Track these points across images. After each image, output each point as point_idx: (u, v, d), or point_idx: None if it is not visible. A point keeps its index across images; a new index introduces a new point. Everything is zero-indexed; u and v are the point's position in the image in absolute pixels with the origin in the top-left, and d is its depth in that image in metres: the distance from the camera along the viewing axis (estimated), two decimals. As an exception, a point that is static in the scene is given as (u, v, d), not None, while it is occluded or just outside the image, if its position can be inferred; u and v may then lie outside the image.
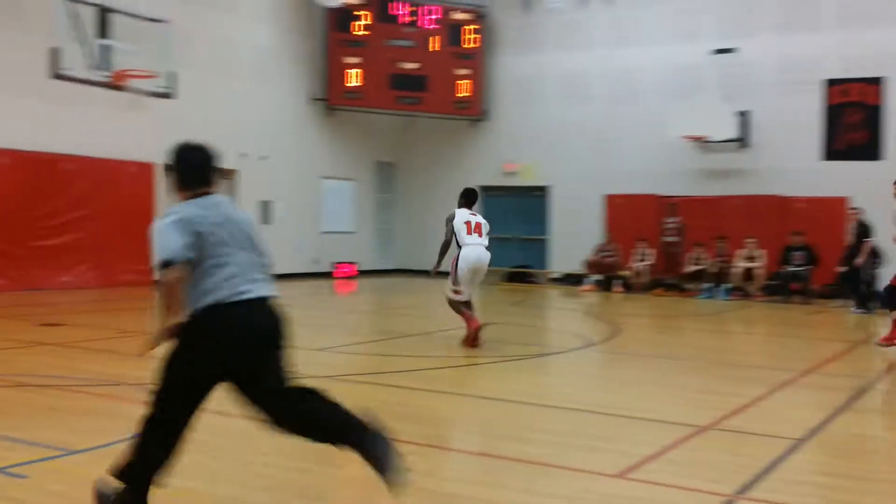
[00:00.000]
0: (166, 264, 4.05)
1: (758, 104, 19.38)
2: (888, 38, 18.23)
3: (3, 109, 15.05)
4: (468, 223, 10.84)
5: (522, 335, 12.05)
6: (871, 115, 18.44)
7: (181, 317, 4.08)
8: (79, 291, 15.57)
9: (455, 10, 22.60)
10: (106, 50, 14.28)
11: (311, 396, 4.38)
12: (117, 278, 16.46)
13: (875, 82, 18.41)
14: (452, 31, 22.55)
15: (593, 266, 19.92)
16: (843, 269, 15.97)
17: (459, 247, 10.74)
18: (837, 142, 18.87)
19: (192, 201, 4.24)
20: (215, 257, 4.12)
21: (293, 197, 21.21)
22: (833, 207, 18.14)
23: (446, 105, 22.68)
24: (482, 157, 23.19)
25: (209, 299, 4.08)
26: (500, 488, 4.82)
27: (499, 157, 22.96)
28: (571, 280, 21.01)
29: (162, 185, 17.64)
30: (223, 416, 6.12)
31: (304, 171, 21.52)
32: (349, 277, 21.81)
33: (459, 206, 11.10)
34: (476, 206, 11.25)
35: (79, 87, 14.49)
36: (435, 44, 22.44)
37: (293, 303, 13.21)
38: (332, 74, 21.80)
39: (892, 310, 10.06)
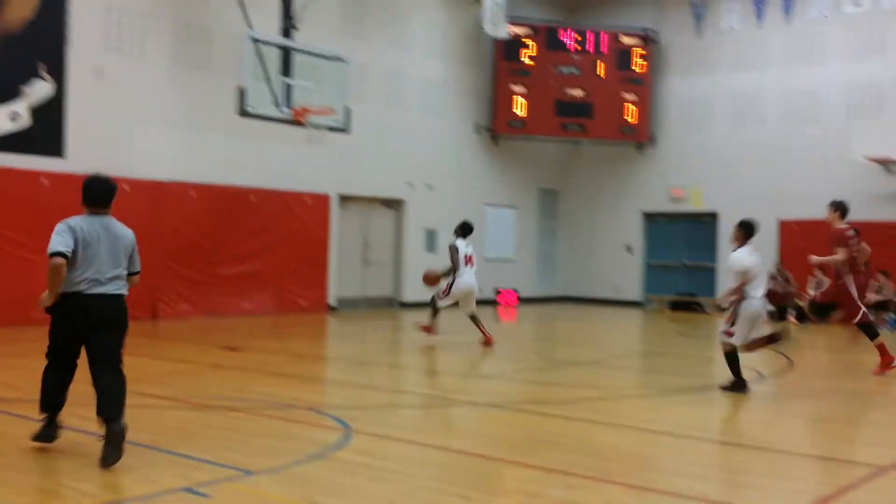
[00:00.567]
0: (53, 255, 5.62)
1: (949, 123, 18.18)
2: None
3: (191, 146, 16.16)
4: (467, 257, 12.63)
5: (688, 366, 11.75)
6: None
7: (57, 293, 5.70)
8: (258, 317, 16.41)
9: (624, 34, 22.46)
10: (287, 88, 15.08)
11: (112, 377, 5.85)
12: (293, 304, 17.25)
13: None
14: (620, 56, 22.41)
15: (765, 295, 19.13)
16: None
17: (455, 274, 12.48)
18: None
19: (86, 216, 5.91)
20: (85, 260, 5.71)
21: (457, 224, 21.53)
22: None
23: (612, 130, 22.52)
24: (648, 183, 22.84)
25: (72, 288, 5.71)
26: (664, 526, 4.74)
27: (666, 182, 22.54)
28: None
29: (335, 215, 18.41)
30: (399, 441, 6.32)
31: (469, 198, 21.85)
32: (511, 305, 21.90)
33: (458, 237, 12.85)
34: (470, 238, 12.98)
35: (261, 123, 15.37)
36: (602, 69, 22.36)
37: (457, 329, 13.48)
38: (498, 103, 22.10)
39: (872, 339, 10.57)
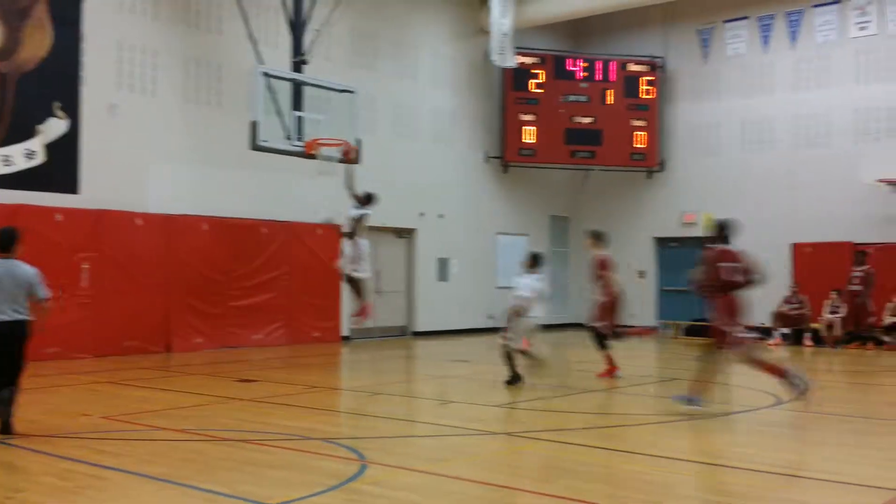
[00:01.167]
0: None
1: (959, 144, 18.16)
2: None
3: (204, 180, 16.27)
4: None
5: (705, 392, 11.64)
6: None
7: None
8: (271, 349, 16.42)
9: (631, 62, 22.58)
10: (298, 120, 15.20)
11: (7, 390, 7.65)
12: (306, 335, 17.26)
13: None
14: (628, 84, 22.52)
15: (780, 318, 19.07)
16: None
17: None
18: None
19: None
20: None
21: (469, 253, 21.59)
22: None
23: (622, 157, 22.58)
24: (659, 209, 22.85)
25: None
26: (684, 553, 4.69)
27: (677, 207, 22.55)
28: (757, 333, 20.17)
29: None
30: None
31: (480, 227, 21.90)
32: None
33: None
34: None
35: (273, 156, 15.46)
36: (610, 97, 22.47)
37: (470, 359, 13.44)
38: (507, 132, 22.20)
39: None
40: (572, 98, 22.40)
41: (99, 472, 6.27)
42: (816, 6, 20.28)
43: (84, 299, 14.43)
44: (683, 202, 22.42)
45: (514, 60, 20.88)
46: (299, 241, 17.50)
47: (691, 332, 21.37)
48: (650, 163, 22.68)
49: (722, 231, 10.37)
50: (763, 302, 19.70)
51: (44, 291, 8.06)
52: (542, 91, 22.29)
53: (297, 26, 16.03)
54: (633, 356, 17.08)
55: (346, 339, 18.45)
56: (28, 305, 7.92)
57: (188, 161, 16.10)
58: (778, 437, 8.62)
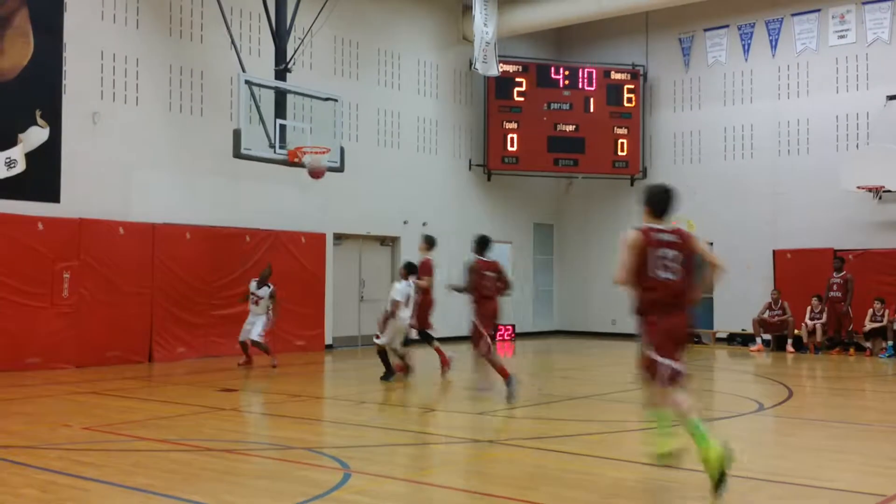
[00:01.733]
0: None
1: (938, 151, 18.32)
2: None
3: (186, 188, 16.21)
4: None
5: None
6: None
7: None
8: (254, 357, 16.33)
9: (613, 70, 22.70)
10: (282, 129, 15.18)
11: None
12: (290, 344, 17.19)
13: None
14: (610, 92, 22.63)
15: (762, 325, 19.18)
16: None
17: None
18: None
19: None
20: None
21: (453, 261, 21.56)
22: None
23: (605, 165, 22.67)
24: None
25: None
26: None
27: (660, 215, 22.60)
28: (739, 340, 20.29)
29: (330, 253, 18.43)
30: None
31: (463, 235, 21.87)
32: (507, 339, 21.88)
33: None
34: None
35: (256, 164, 15.44)
36: (592, 105, 22.57)
37: (454, 367, 13.44)
38: (491, 140, 22.25)
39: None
40: (555, 106, 22.48)
41: (81, 484, 6.23)
42: (796, 15, 20.45)
43: (65, 309, 14.34)
44: (666, 209, 22.47)
45: (497, 69, 20.99)
46: (283, 249, 17.45)
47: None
48: (633, 170, 22.79)
49: (483, 245, 11.64)
50: (743, 309, 19.92)
51: None
52: (525, 99, 22.36)
53: (280, 34, 16.01)
54: (616, 364, 17.13)
55: (329, 347, 18.41)
56: None
57: (171, 169, 16.04)
58: (761, 443, 8.66)
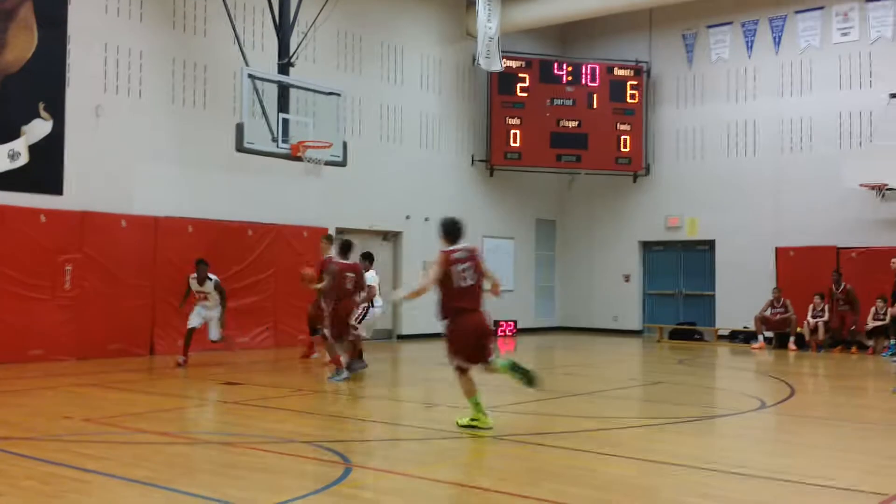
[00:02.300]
0: None
1: (941, 149, 18.28)
2: None
3: (189, 182, 16.21)
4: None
5: (690, 395, 11.71)
6: None
7: None
8: (256, 351, 16.36)
9: (617, 66, 22.67)
10: (284, 123, 15.17)
11: None
12: (292, 338, 17.18)
13: None
14: (614, 88, 22.61)
15: (764, 322, 19.16)
16: None
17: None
18: None
19: None
20: None
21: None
22: None
23: (607, 161, 22.65)
24: (645, 212, 22.93)
25: None
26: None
27: (662, 211, 22.65)
28: (740, 337, 20.28)
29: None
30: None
31: (466, 230, 21.87)
32: (509, 335, 21.88)
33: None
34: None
35: (258, 158, 15.43)
36: (595, 101, 22.55)
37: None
38: (494, 136, 22.23)
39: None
40: (558, 102, 22.46)
41: (82, 476, 6.23)
42: (799, 12, 20.41)
43: (67, 301, 14.35)
44: (668, 206, 22.52)
45: (500, 64, 20.97)
46: (286, 243, 17.45)
47: (676, 335, 21.45)
48: (636, 167, 22.77)
49: (345, 249, 12.38)
50: (745, 306, 19.90)
51: None
52: (528, 95, 22.34)
53: (283, 28, 15.99)
54: (618, 360, 17.14)
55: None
56: None
57: (173, 163, 16.04)
58: (763, 440, 8.66)
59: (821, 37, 20.21)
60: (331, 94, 16.00)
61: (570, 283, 24.41)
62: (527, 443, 7.89)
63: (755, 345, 18.98)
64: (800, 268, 19.79)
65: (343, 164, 16.09)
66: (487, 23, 20.38)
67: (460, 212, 21.47)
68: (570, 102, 22.52)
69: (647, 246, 23.35)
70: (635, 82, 22.68)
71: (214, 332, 14.00)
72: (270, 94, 15.33)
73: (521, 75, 22.31)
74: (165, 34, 16.01)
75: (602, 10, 21.13)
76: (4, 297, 13.65)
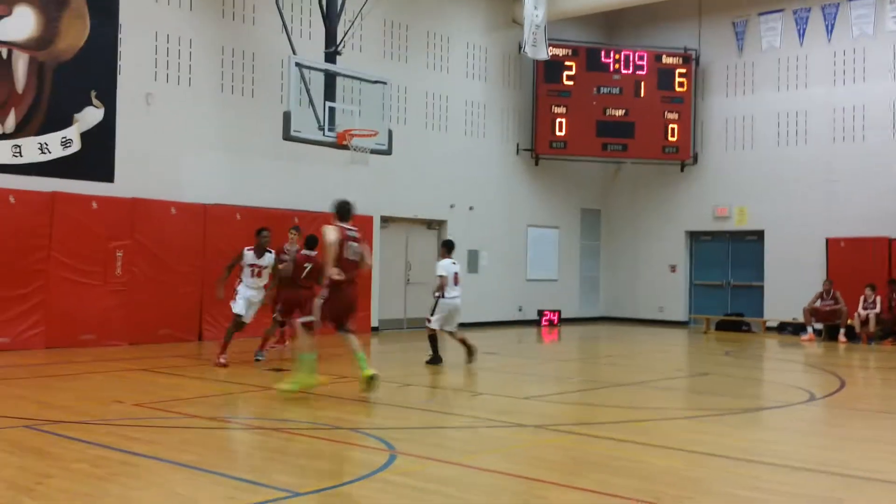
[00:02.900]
0: None
1: None
2: None
3: (237, 169, 16.37)
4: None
5: (737, 387, 11.57)
6: None
7: None
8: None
9: (665, 54, 22.41)
10: (331, 111, 15.24)
11: None
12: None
13: None
14: (662, 76, 22.35)
15: (814, 314, 18.85)
16: None
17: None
18: None
19: None
20: None
21: (499, 245, 21.56)
22: None
23: (654, 150, 22.42)
24: (692, 202, 22.67)
25: None
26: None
27: (710, 201, 22.37)
28: (789, 329, 19.99)
29: (377, 236, 18.50)
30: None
31: (510, 219, 21.85)
32: (552, 325, 21.80)
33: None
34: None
35: (305, 146, 15.53)
36: (643, 89, 22.32)
37: (499, 351, 13.42)
38: (539, 124, 22.12)
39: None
40: (605, 90, 22.27)
41: (130, 459, 6.34)
42: (853, 0, 19.98)
43: (118, 287, 14.59)
44: (716, 196, 22.24)
45: (546, 52, 20.82)
46: (330, 231, 17.52)
47: (723, 326, 21.20)
48: (683, 156, 22.51)
49: (311, 244, 12.70)
50: (794, 297, 19.59)
51: None
52: (574, 83, 22.18)
53: (330, 17, 16.06)
54: (663, 351, 17.00)
55: (375, 330, 18.50)
56: None
57: (222, 151, 16.21)
58: (812, 433, 8.54)
59: (874, 24, 19.78)
60: (377, 82, 16.03)
61: (615, 273, 24.23)
62: (570, 433, 7.86)
63: (804, 336, 18.69)
64: (851, 259, 19.44)
65: (388, 152, 16.13)
66: (534, 10, 20.24)
67: (505, 201, 21.62)
68: (616, 91, 22.32)
69: (694, 236, 23.09)
70: (684, 70, 22.39)
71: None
72: (317, 82, 15.42)
73: (567, 63, 22.16)
74: (214, 23, 16.16)
75: (650, -3, 20.89)
76: (57, 282, 13.92)
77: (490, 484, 5.97)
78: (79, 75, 14.36)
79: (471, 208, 20.75)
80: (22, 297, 13.61)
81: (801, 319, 19.27)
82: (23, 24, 13.83)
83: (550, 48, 21.13)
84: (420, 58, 19.72)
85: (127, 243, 14.73)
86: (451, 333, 12.92)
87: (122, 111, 14.85)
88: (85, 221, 14.21)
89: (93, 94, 14.53)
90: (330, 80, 15.52)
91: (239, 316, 12.39)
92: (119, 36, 14.84)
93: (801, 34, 20.84)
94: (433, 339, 12.80)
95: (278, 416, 8.27)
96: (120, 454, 6.46)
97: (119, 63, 14.85)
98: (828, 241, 20.07)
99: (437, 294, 12.84)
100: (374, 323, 18.52)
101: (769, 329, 20.64)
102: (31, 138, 13.88)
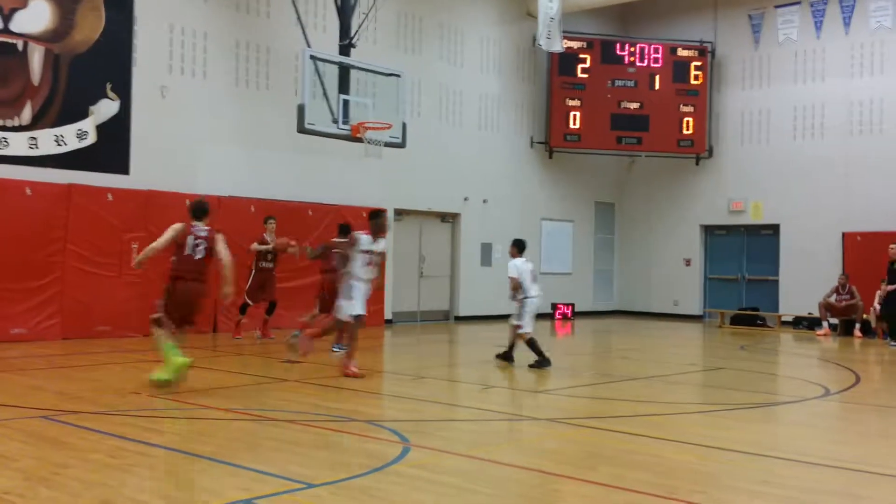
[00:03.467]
0: None
1: None
2: None
3: (251, 162, 16.42)
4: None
5: (751, 382, 11.54)
6: None
7: None
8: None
9: (680, 47, 22.30)
10: (345, 104, 15.26)
11: None
12: (350, 318, 17.32)
13: None
14: (677, 69, 22.26)
15: (829, 309, 18.76)
16: None
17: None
18: None
19: None
20: None
21: (512, 238, 21.49)
22: None
23: (669, 143, 22.34)
24: (707, 196, 22.58)
25: None
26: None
27: (725, 195, 22.28)
28: (804, 324, 19.89)
29: (391, 229, 18.50)
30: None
31: (524, 212, 21.82)
32: (566, 318, 21.78)
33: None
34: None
35: (319, 139, 15.55)
36: (658, 82, 22.23)
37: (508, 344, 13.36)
38: (553, 117, 22.07)
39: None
40: (619, 83, 22.20)
41: (147, 450, 6.38)
42: (872, -9, 19.85)
43: (134, 278, 14.65)
44: (732, 189, 22.14)
45: (561, 45, 20.76)
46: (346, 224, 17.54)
47: (738, 320, 21.13)
48: (698, 149, 22.41)
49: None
50: (809, 292, 19.49)
51: None
52: (588, 76, 22.12)
53: (344, 10, 16.06)
54: (678, 345, 16.96)
55: (389, 322, 18.53)
56: None
57: (236, 143, 16.25)
58: (827, 428, 8.51)
59: (892, 17, 19.62)
60: (391, 75, 16.03)
61: (629, 266, 24.17)
62: (584, 426, 7.86)
63: (819, 331, 18.60)
64: (867, 253, 19.30)
65: (402, 145, 16.13)
66: (549, 3, 20.17)
67: (519, 194, 21.59)
68: (631, 84, 22.24)
69: (708, 230, 23.00)
70: (699, 63, 22.28)
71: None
72: (331, 75, 15.43)
73: (581, 56, 22.09)
74: (229, 15, 16.19)
75: (666, -11, 20.78)
76: (73, 274, 14.01)
77: (503, 477, 5.98)
78: (94, 68, 14.41)
79: (484, 201, 20.74)
80: (38, 288, 13.70)
81: (816, 314, 19.19)
82: (38, 16, 13.90)
83: (565, 41, 21.06)
84: (434, 50, 19.70)
85: (142, 235, 14.77)
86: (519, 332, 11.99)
87: (138, 103, 14.91)
88: (100, 213, 14.29)
89: (108, 86, 14.59)
90: (344, 72, 15.53)
91: (360, 316, 10.55)
92: (134, 28, 14.89)
93: (819, 27, 20.70)
94: (532, 343, 11.73)
95: (293, 408, 8.30)
96: (136, 445, 6.50)
97: (134, 55, 14.90)
98: (844, 235, 19.96)
99: (517, 297, 11.80)
100: (388, 315, 18.55)
101: (784, 323, 20.55)
102: (47, 130, 13.96)
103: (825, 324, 18.64)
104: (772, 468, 6.32)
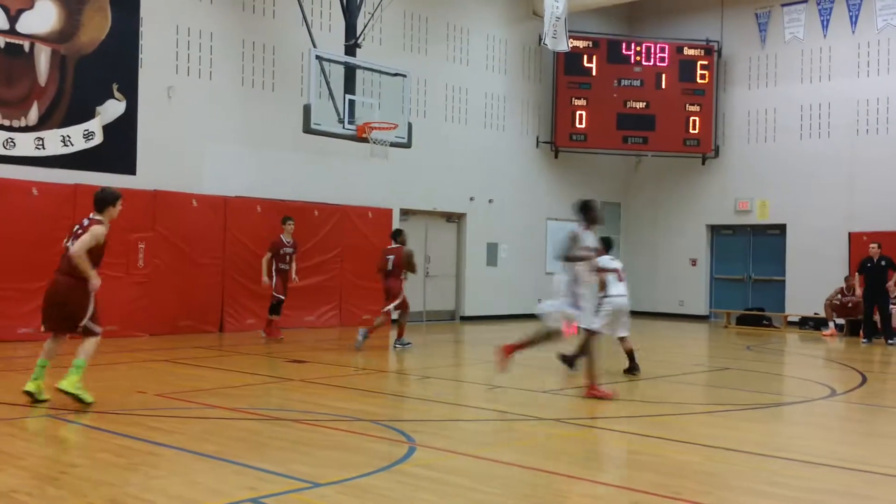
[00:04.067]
0: None
1: None
2: None
3: (258, 162, 16.44)
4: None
5: (758, 382, 11.52)
6: None
7: None
8: (322, 330, 16.58)
9: (686, 46, 22.27)
10: (350, 104, 15.28)
11: None
12: (357, 317, 17.36)
13: None
14: (683, 68, 22.22)
15: (834, 309, 18.71)
16: None
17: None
18: None
19: None
20: None
21: (518, 238, 21.54)
22: None
23: (675, 143, 22.31)
24: (713, 195, 22.55)
25: None
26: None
27: (731, 194, 22.24)
28: (811, 324, 19.85)
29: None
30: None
31: (530, 212, 21.81)
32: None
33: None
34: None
35: (325, 139, 15.58)
36: (664, 81, 22.20)
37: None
38: (559, 117, 22.05)
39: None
40: (626, 83, 22.18)
41: (153, 449, 6.40)
42: (879, -10, 19.80)
43: (140, 278, 14.70)
44: (738, 189, 22.11)
45: (567, 44, 20.74)
46: (351, 223, 17.61)
47: (744, 321, 21.09)
48: (705, 149, 22.38)
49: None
50: (816, 292, 19.43)
51: None
52: (594, 75, 22.10)
53: (350, 10, 16.08)
54: (683, 345, 16.94)
55: (395, 322, 18.53)
56: None
57: (242, 143, 16.28)
58: (833, 429, 8.49)
59: (900, 15, 19.58)
60: (396, 74, 16.04)
61: (635, 266, 24.10)
62: (590, 426, 7.86)
63: (826, 332, 18.55)
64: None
65: (408, 145, 16.14)
66: (554, 2, 20.15)
67: (524, 193, 21.57)
68: (637, 83, 22.21)
69: (715, 230, 22.97)
70: (706, 62, 22.25)
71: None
72: (337, 75, 15.45)
73: (587, 55, 22.07)
74: (235, 16, 16.21)
75: (672, -12, 20.75)
76: (80, 273, 14.02)
77: (509, 477, 5.98)
78: (100, 68, 14.45)
79: (490, 201, 20.73)
80: (45, 288, 13.70)
81: (822, 314, 19.14)
82: (44, 17, 13.94)
83: (571, 40, 21.04)
84: (440, 50, 19.70)
85: (149, 235, 14.84)
86: (621, 339, 11.45)
87: (144, 104, 14.94)
88: (107, 213, 14.30)
89: (114, 86, 14.63)
90: (350, 72, 15.55)
91: (595, 332, 9.76)
92: (140, 29, 14.93)
93: (825, 26, 20.65)
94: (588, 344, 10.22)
95: (299, 408, 8.31)
96: (143, 444, 6.52)
97: (140, 56, 14.93)
98: (850, 235, 19.91)
99: (598, 294, 10.97)
100: (394, 316, 18.53)
101: (790, 324, 20.50)
102: (54, 131, 14.00)
103: (831, 324, 18.59)
104: (778, 469, 6.31)
